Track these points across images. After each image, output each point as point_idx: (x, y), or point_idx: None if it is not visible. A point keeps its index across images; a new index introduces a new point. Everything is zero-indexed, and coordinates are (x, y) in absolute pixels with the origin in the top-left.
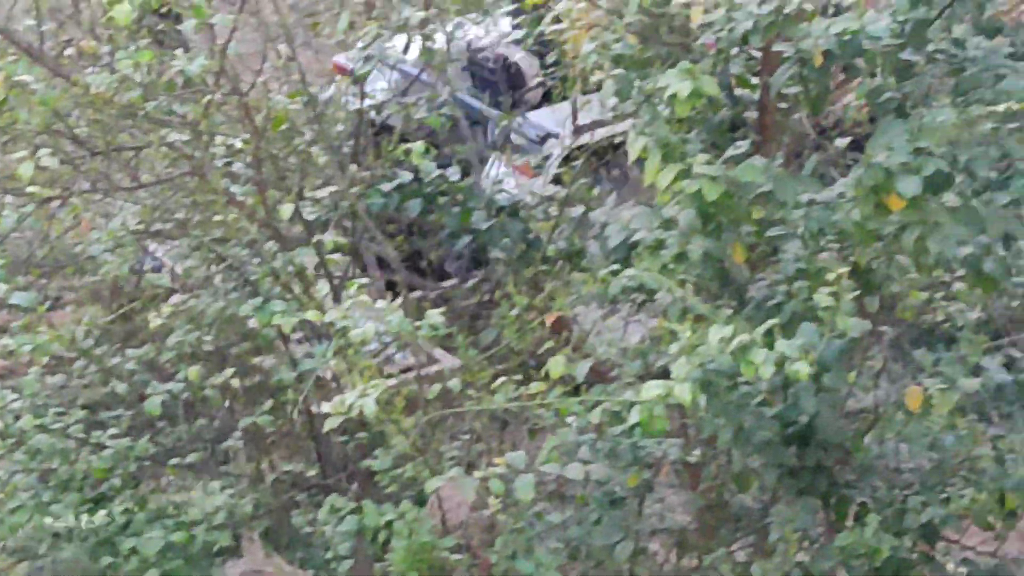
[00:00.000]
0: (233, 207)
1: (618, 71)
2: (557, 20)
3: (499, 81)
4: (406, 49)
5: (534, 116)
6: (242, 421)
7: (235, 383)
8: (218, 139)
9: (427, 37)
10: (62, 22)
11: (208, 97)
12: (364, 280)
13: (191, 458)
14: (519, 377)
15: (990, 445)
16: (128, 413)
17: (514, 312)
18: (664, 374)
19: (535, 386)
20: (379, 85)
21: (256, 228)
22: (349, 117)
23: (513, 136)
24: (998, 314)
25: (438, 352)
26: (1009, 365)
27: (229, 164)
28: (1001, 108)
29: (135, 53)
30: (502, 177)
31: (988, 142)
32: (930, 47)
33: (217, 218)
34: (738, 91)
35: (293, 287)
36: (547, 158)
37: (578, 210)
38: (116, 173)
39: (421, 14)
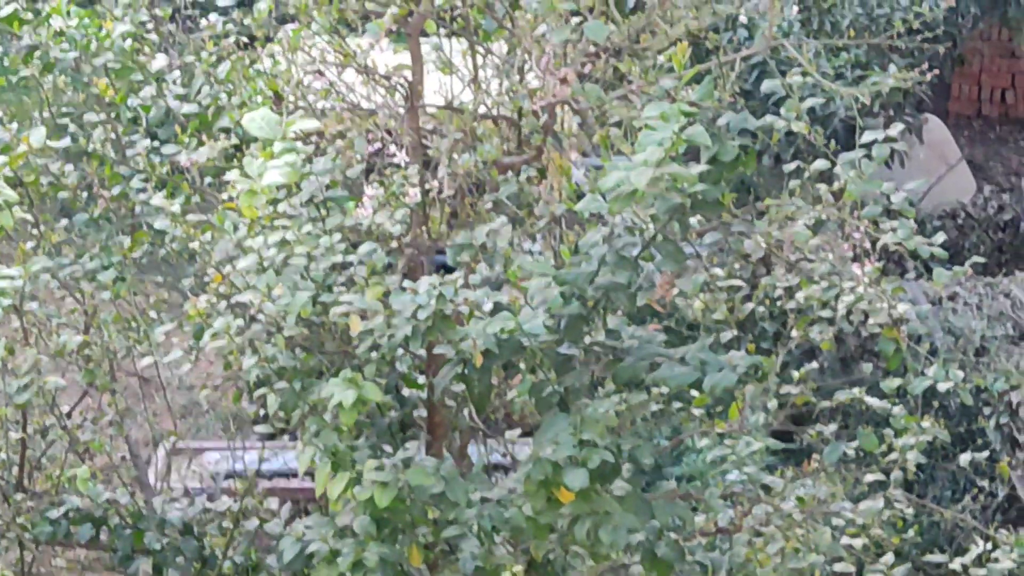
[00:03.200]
0: None
1: (281, 384)
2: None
3: None
4: None
5: None
6: None
7: None
8: None
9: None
10: None
11: None
12: None
13: None
14: None
15: None
16: None
17: None
18: None
19: None
20: None
21: None
22: (13, 445)
23: None
24: None
25: None
26: None
27: None
28: (664, 390)
29: None
30: None
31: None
32: (587, 340)
33: None
34: (406, 391)
35: None
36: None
37: (253, 523)
38: None
39: (79, 338)
